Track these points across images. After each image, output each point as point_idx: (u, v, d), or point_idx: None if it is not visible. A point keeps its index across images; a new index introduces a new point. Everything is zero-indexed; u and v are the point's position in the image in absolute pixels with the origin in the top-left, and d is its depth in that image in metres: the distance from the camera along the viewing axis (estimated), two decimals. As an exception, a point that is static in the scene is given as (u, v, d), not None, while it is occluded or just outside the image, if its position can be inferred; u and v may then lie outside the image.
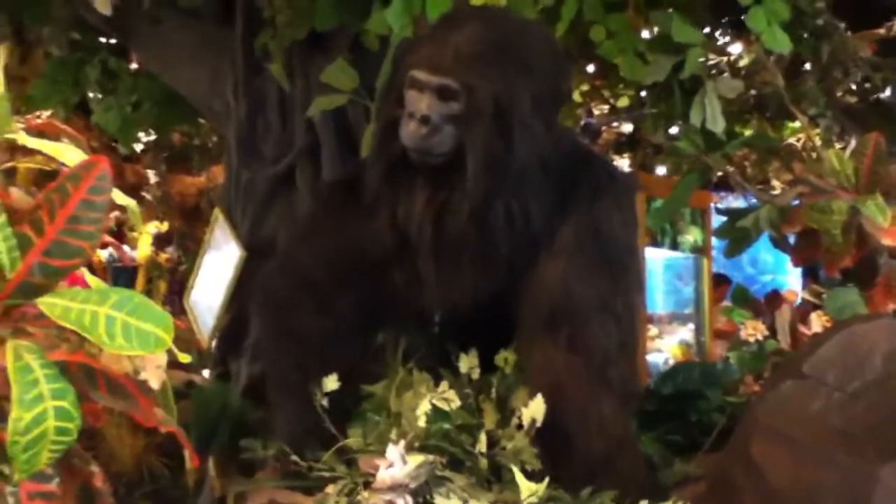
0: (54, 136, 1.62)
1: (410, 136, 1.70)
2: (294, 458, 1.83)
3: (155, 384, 1.21)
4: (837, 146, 3.54)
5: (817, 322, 3.30)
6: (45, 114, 3.69)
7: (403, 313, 2.09)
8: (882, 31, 3.87)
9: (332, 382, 1.87)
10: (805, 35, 3.05)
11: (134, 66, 3.90)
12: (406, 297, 1.99)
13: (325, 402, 1.85)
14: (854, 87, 4.03)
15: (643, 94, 4.06)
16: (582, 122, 5.65)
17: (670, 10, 2.91)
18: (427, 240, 1.82)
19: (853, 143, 3.22)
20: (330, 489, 1.74)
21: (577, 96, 5.07)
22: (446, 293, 1.93)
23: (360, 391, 2.01)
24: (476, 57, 1.69)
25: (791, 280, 8.12)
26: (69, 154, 1.48)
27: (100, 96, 3.74)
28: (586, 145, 2.79)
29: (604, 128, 6.16)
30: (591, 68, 4.68)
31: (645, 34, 3.15)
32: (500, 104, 1.68)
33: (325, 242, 2.03)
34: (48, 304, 1.12)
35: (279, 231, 2.96)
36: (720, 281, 5.75)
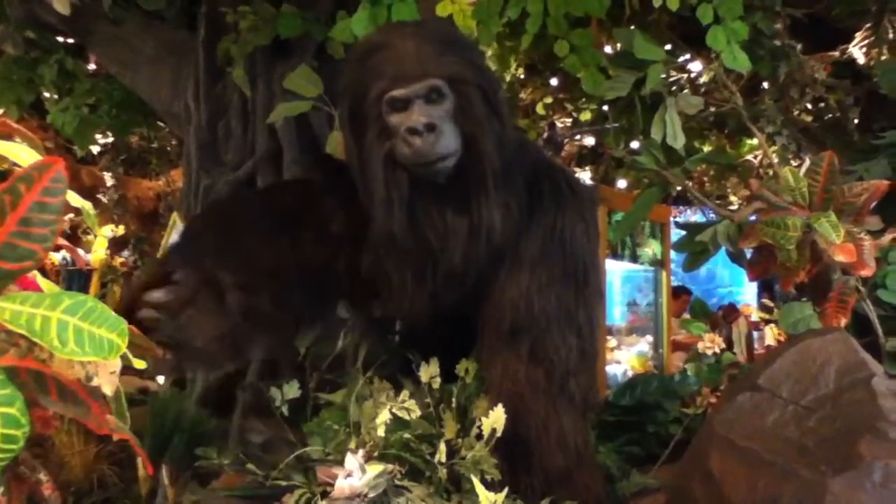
0: (7, 135, 1.57)
1: (419, 151, 1.65)
2: (251, 467, 1.80)
3: (108, 391, 1.18)
4: (794, 163, 3.62)
5: (770, 335, 3.37)
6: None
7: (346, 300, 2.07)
8: (836, 53, 3.98)
9: (293, 390, 1.85)
10: (763, 55, 3.12)
11: (92, 66, 3.84)
12: (340, 289, 1.98)
13: (285, 409, 1.83)
14: (810, 106, 4.13)
15: (606, 108, 4.12)
16: (545, 135, 5.70)
17: (633, 27, 2.96)
18: (454, 253, 1.78)
19: (808, 161, 3.30)
20: (287, 499, 1.71)
21: (540, 109, 5.13)
22: (417, 301, 1.92)
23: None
24: (441, 52, 1.70)
25: (747, 294, 8.28)
26: (23, 154, 1.44)
27: (56, 97, 3.67)
28: (549, 158, 2.81)
29: (566, 140, 6.23)
30: (554, 82, 4.74)
31: (608, 50, 3.20)
32: (481, 86, 1.72)
33: (297, 190, 2.02)
34: (-3, 307, 1.08)
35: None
36: (681, 292, 5.84)
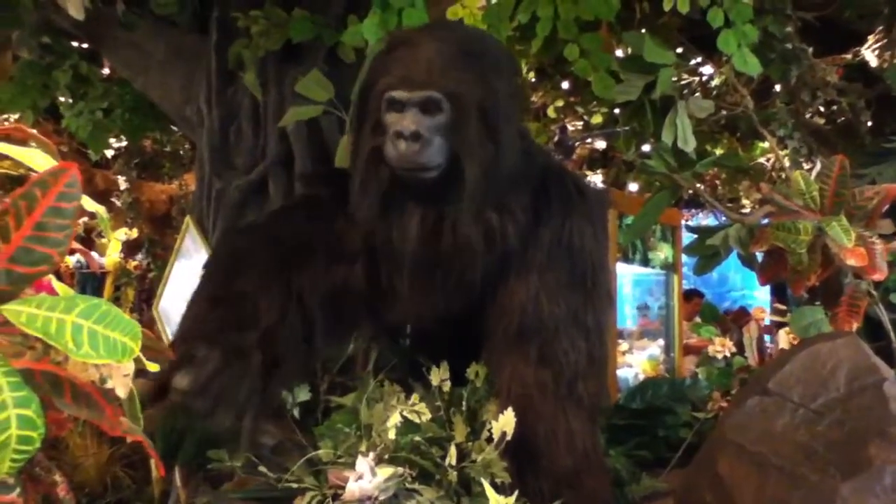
0: (22, 140, 1.59)
1: (402, 156, 1.67)
2: (262, 469, 1.81)
3: (122, 393, 1.19)
4: (806, 167, 3.61)
5: (784, 339, 3.36)
6: (13, 117, 3.65)
7: (362, 315, 2.06)
8: (849, 56, 3.96)
9: (304, 393, 1.87)
10: (774, 58, 3.12)
11: (106, 71, 3.87)
12: (361, 299, 1.97)
13: (296, 412, 1.84)
14: (822, 109, 4.12)
15: (617, 111, 4.12)
16: (556, 138, 5.71)
17: (643, 30, 2.96)
18: (414, 257, 1.80)
19: (819, 164, 3.29)
20: (298, 501, 1.72)
21: (551, 112, 5.13)
22: (420, 307, 1.93)
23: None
24: (450, 66, 1.70)
25: (760, 298, 8.24)
26: (38, 159, 1.46)
27: (70, 101, 3.71)
28: (559, 162, 2.81)
29: (577, 144, 6.22)
30: (565, 85, 4.75)
31: (619, 53, 3.20)
32: (483, 107, 1.71)
33: (299, 218, 2.01)
34: (13, 311, 1.10)
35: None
36: (692, 295, 5.83)
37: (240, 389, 1.75)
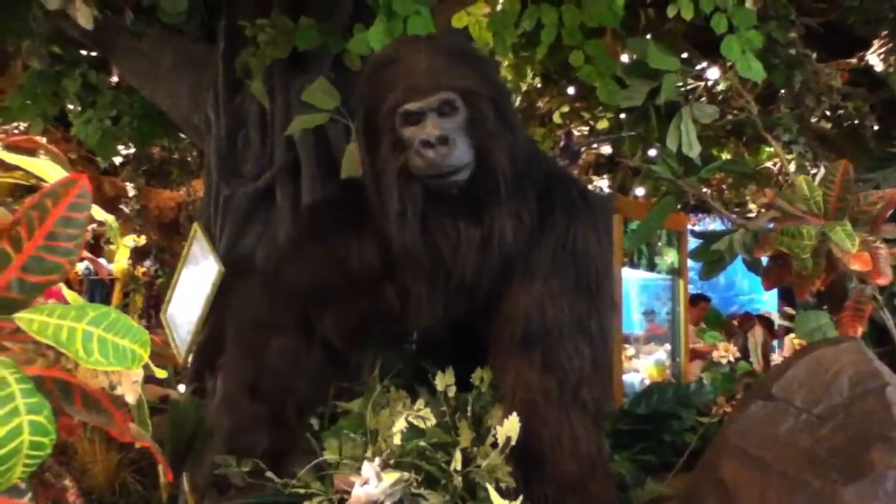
0: (32, 150, 1.61)
1: (432, 163, 1.68)
2: (269, 474, 1.83)
3: (131, 399, 1.21)
4: (812, 171, 3.61)
5: (789, 345, 3.36)
6: (24, 125, 3.69)
7: (385, 332, 2.10)
8: (854, 60, 3.96)
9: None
10: (778, 64, 3.13)
11: (114, 79, 3.91)
12: (391, 316, 1.99)
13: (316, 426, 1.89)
14: (827, 114, 4.12)
15: (622, 116, 4.13)
16: (561, 144, 5.72)
17: (647, 36, 2.98)
18: (466, 263, 1.81)
19: (822, 169, 3.30)
20: (305, 506, 1.74)
21: (556, 118, 5.15)
22: (430, 313, 1.94)
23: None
24: (453, 66, 1.73)
25: (768, 302, 8.21)
26: (48, 170, 1.48)
27: (79, 109, 3.74)
28: (561, 167, 2.82)
29: (583, 149, 6.23)
30: (570, 91, 4.76)
31: (624, 59, 3.22)
32: (493, 99, 1.75)
33: (310, 262, 2.02)
34: (25, 319, 1.12)
35: (258, 248, 2.97)
36: (699, 300, 5.83)
37: (283, 456, 1.94)
